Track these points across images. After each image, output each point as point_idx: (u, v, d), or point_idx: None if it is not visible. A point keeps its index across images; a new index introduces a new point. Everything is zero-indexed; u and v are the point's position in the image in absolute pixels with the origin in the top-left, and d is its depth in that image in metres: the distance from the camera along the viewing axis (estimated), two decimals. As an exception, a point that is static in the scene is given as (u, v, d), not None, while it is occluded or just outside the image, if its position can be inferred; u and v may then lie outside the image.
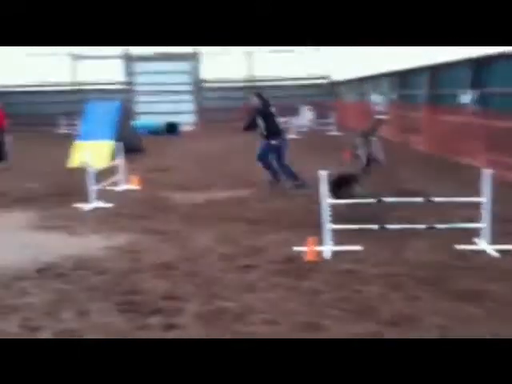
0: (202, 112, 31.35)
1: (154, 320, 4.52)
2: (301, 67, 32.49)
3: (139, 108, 30.49)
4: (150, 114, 29.10)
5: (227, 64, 32.44)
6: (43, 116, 29.32)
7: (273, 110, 10.97)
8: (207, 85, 32.57)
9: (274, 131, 10.71)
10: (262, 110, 10.82)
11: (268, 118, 10.74)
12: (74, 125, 25.73)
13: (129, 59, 31.79)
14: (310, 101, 29.15)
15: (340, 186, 7.86)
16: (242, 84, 33.52)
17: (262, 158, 10.91)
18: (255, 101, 10.88)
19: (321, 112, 27.89)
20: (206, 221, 7.96)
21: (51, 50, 31.81)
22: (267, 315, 4.55)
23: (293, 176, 10.65)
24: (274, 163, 10.78)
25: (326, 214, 6.26)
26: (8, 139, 16.78)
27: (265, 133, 10.71)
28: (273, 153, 10.75)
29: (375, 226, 6.48)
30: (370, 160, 13.48)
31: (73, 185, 10.91)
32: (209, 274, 5.66)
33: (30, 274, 5.72)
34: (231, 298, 4.97)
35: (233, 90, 32.53)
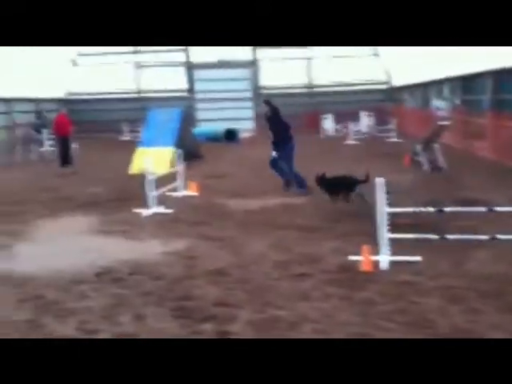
0: (261, 119, 31.49)
1: (207, 326, 4.55)
2: (361, 72, 32.13)
3: (200, 115, 30.98)
4: (210, 120, 29.51)
5: (286, 70, 32.50)
6: (107, 123, 30.28)
7: (282, 117, 11.13)
8: (266, 91, 32.70)
9: (281, 139, 10.85)
10: (270, 117, 10.97)
11: (276, 125, 10.90)
12: (136, 131, 26.43)
13: (190, 67, 32.40)
14: (370, 106, 28.77)
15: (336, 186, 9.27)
16: (301, 90, 33.49)
17: (273, 165, 11.15)
18: (265, 108, 11.10)
19: (381, 118, 27.47)
20: (260, 227, 7.98)
21: (116, 59, 32.89)
22: (319, 325, 4.50)
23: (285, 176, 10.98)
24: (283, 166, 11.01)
25: (382, 222, 6.12)
26: (73, 145, 17.45)
27: (274, 141, 10.91)
28: (282, 159, 10.93)
29: (435, 236, 6.28)
30: (432, 167, 13.16)
31: (133, 190, 11.18)
32: (262, 281, 5.65)
33: (89, 278, 5.90)
34: (284, 306, 4.94)
35: (292, 97, 32.52)
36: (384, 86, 32.91)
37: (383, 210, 6.13)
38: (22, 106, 30.05)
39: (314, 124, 28.39)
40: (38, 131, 25.25)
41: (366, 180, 8.89)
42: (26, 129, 27.56)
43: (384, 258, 6.02)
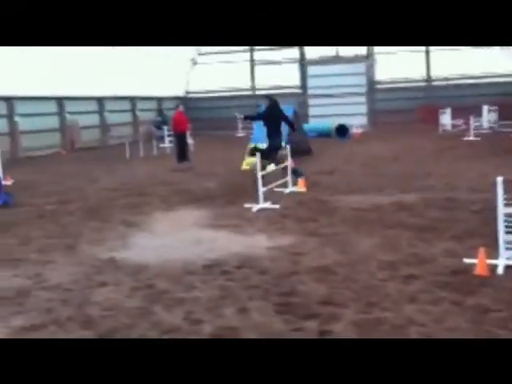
0: (375, 114, 30.82)
1: (310, 324, 4.53)
2: (484, 64, 30.31)
3: (312, 111, 30.95)
4: (322, 116, 29.38)
5: (403, 64, 31.46)
6: (224, 120, 31.17)
7: (281, 114, 11.68)
8: (380, 86, 31.94)
9: (272, 134, 11.37)
10: (268, 110, 11.47)
11: (271, 120, 11.40)
12: (250, 128, 26.94)
13: (304, 63, 32.45)
14: (493, 100, 27.08)
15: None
16: (418, 84, 32.30)
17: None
18: (266, 103, 11.72)
19: (505, 112, 25.78)
20: (369, 226, 7.80)
21: (232, 57, 33.74)
22: (426, 329, 4.32)
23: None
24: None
25: (501, 223, 5.75)
26: (190, 142, 18.16)
27: (266, 134, 11.56)
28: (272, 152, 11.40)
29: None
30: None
31: (244, 186, 11.43)
32: (368, 281, 5.53)
33: (198, 270, 6.10)
34: (390, 308, 4.80)
35: (408, 91, 31.48)
36: (510, 79, 30.82)
37: (501, 210, 5.76)
38: (145, 104, 31.81)
39: (432, 119, 27.28)
40: (159, 128, 26.61)
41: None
42: (148, 126, 29.15)
43: (501, 262, 5.65)
